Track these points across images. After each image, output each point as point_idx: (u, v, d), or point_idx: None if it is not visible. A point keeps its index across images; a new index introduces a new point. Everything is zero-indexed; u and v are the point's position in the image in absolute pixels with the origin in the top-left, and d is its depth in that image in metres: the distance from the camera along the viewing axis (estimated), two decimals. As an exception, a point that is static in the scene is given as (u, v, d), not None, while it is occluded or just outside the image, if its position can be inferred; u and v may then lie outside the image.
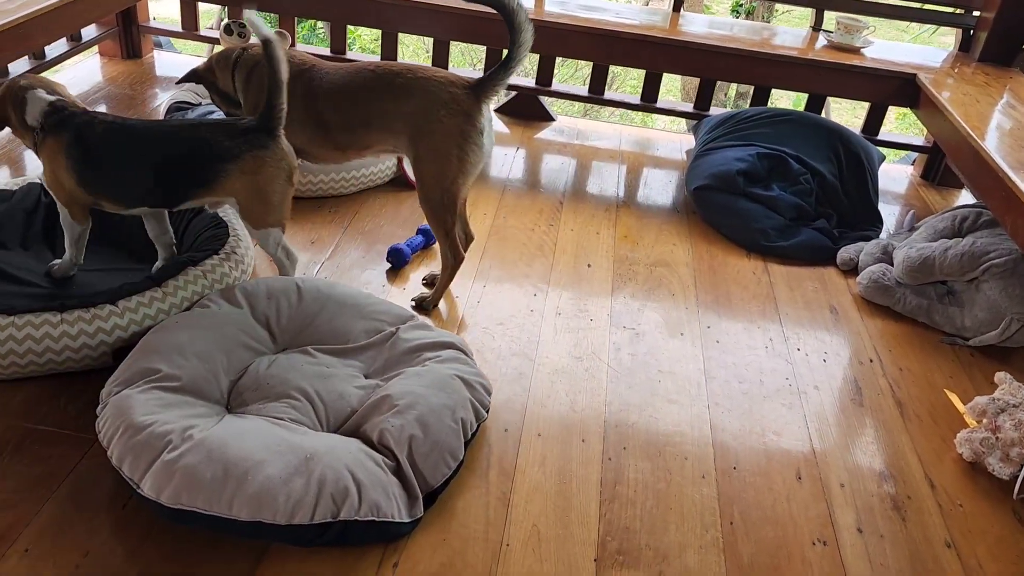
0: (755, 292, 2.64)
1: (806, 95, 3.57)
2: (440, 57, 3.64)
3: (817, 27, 3.65)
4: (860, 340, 2.48)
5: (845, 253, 2.83)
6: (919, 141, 3.70)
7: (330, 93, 2.24)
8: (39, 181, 2.41)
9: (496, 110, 3.79)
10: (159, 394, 1.73)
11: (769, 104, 3.60)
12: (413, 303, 2.36)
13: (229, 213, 2.36)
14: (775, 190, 2.98)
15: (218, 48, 3.60)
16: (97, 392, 1.79)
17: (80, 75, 3.63)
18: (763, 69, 3.38)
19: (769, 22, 9.50)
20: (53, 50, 3.33)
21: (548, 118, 3.78)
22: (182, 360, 1.81)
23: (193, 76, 2.48)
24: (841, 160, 3.14)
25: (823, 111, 3.59)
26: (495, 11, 2.04)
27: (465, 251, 2.37)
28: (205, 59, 2.49)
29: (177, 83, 2.57)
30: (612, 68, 3.86)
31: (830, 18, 3.63)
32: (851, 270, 2.81)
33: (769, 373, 2.28)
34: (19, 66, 3.16)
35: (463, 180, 2.19)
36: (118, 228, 2.36)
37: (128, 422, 1.64)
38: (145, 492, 1.56)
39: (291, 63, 2.28)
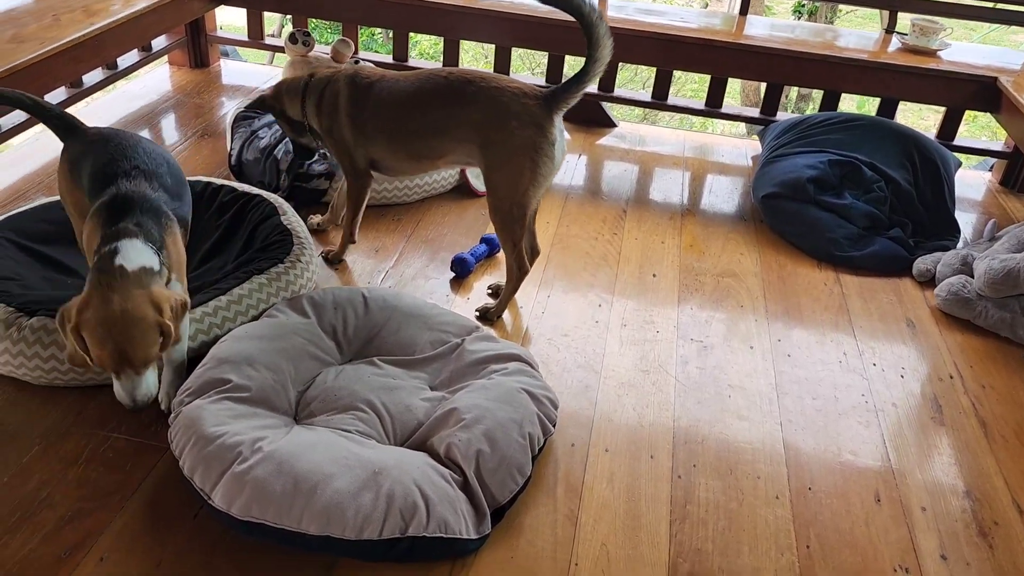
0: (827, 304, 2.56)
1: (876, 99, 3.46)
2: (501, 63, 3.62)
3: (890, 29, 3.53)
4: (939, 355, 2.38)
5: (922, 264, 2.73)
6: (997, 146, 3.55)
7: (401, 102, 2.22)
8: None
9: (557, 116, 3.76)
10: (229, 404, 1.74)
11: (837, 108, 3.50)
12: (477, 313, 2.34)
13: (293, 221, 2.37)
14: (847, 198, 2.89)
15: (281, 57, 3.66)
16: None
17: (150, 84, 3.71)
18: (835, 73, 3.28)
19: (832, 23, 9.28)
20: (125, 60, 3.41)
21: (610, 124, 3.73)
22: (251, 371, 1.82)
23: (260, 104, 2.49)
24: (916, 166, 3.03)
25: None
26: (574, 19, 2.00)
27: (531, 264, 2.34)
28: (271, 86, 2.47)
29: (245, 109, 2.58)
30: (675, 72, 3.79)
31: (903, 19, 3.52)
32: (928, 281, 2.71)
33: (843, 389, 2.20)
34: (92, 77, 3.24)
35: (534, 192, 2.16)
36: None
37: (199, 433, 1.65)
38: (216, 503, 1.57)
39: (358, 78, 2.29)
